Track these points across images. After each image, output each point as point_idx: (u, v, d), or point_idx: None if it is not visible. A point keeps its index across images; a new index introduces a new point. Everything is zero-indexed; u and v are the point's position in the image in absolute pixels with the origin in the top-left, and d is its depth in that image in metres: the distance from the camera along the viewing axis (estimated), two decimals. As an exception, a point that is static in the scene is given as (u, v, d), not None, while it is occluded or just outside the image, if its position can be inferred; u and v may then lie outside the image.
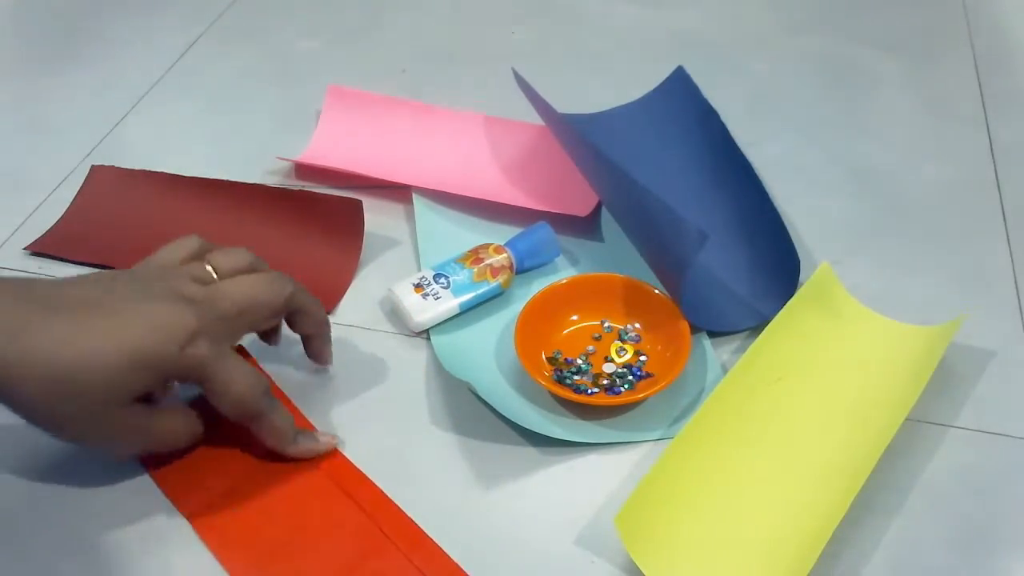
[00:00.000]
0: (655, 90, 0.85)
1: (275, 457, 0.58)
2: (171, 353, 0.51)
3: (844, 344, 0.65)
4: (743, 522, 0.55)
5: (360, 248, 0.72)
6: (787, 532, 0.54)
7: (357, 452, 0.59)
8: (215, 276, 0.57)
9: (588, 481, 0.58)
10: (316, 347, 0.63)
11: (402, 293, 0.67)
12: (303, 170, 0.81)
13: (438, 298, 0.66)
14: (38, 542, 0.55)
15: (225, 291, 0.56)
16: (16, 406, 0.51)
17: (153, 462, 0.58)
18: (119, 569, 0.54)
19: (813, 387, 0.62)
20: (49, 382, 0.49)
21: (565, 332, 0.66)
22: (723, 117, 0.80)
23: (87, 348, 0.50)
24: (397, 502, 0.57)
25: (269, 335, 0.64)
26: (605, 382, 0.63)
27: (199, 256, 0.58)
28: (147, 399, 0.54)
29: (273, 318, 0.59)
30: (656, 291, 0.66)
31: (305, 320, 0.61)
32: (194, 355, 0.52)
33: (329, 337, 0.63)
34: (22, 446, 0.59)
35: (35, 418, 0.51)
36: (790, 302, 0.65)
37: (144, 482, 0.58)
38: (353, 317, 0.69)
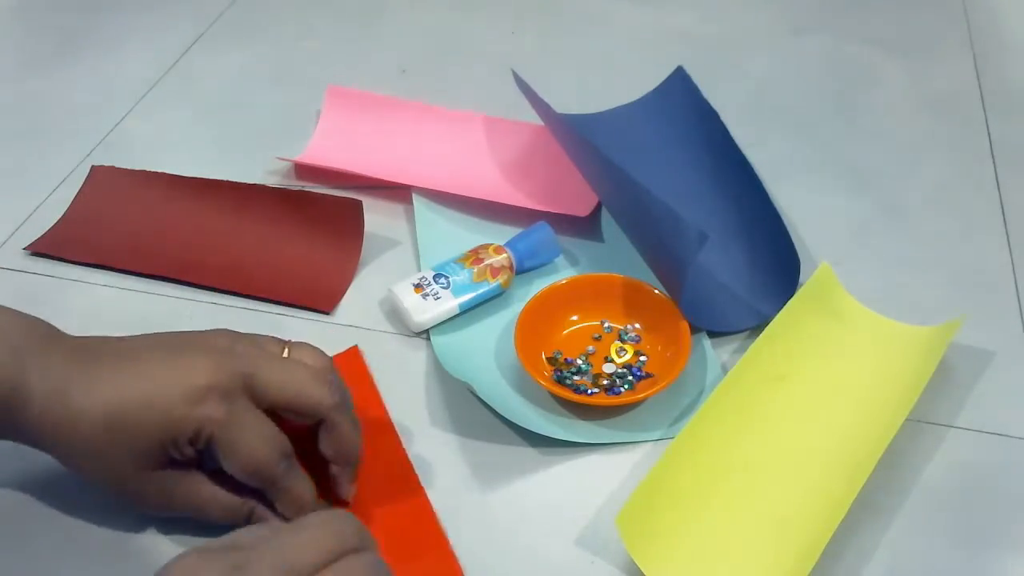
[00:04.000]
0: (655, 90, 0.85)
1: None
2: (178, 413, 0.49)
3: (844, 344, 0.65)
4: (744, 522, 0.55)
5: (360, 248, 0.72)
6: (788, 532, 0.54)
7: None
8: (271, 349, 0.54)
9: (588, 481, 0.58)
10: (334, 478, 0.55)
11: (402, 293, 0.67)
12: (303, 170, 0.81)
13: (438, 298, 0.66)
14: (40, 542, 0.55)
15: (273, 367, 0.52)
16: (67, 466, 0.52)
17: None
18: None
19: (813, 387, 0.62)
20: (76, 443, 0.50)
21: (565, 332, 0.66)
22: (723, 117, 0.80)
23: (107, 407, 0.49)
24: (397, 502, 0.57)
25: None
26: (605, 382, 0.63)
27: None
28: (181, 465, 0.51)
29: (301, 414, 0.53)
30: (656, 291, 0.66)
31: (326, 442, 0.54)
32: (202, 416, 0.49)
33: (352, 476, 0.56)
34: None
35: (84, 478, 0.52)
36: (790, 302, 0.65)
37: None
38: (353, 317, 0.69)
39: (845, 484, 0.55)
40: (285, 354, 0.54)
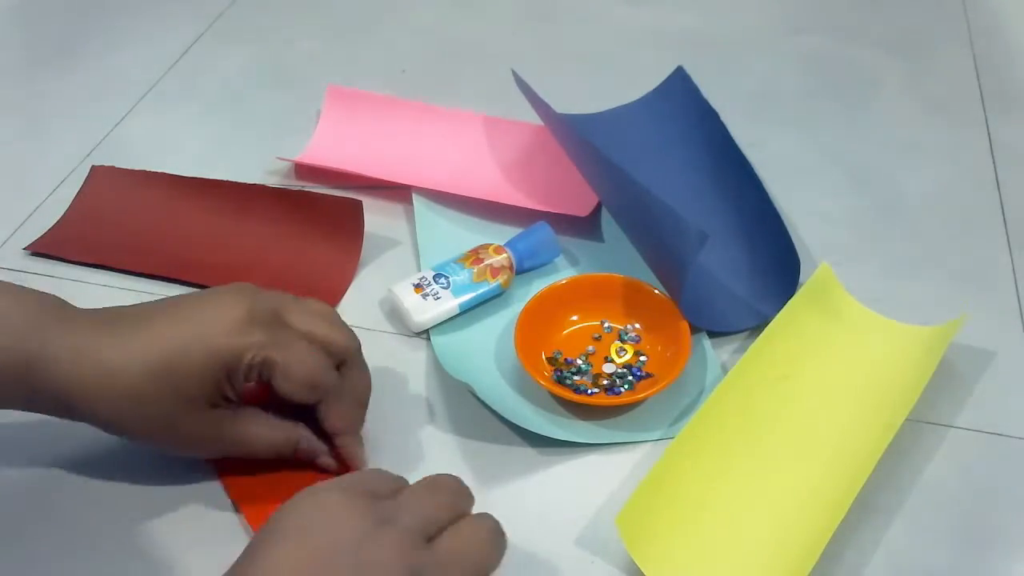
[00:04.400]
0: (655, 90, 0.85)
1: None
2: (229, 344, 0.51)
3: (844, 344, 0.65)
4: (744, 522, 0.55)
5: (360, 248, 0.72)
6: (788, 532, 0.54)
7: (356, 452, 0.59)
8: (290, 298, 0.55)
9: (588, 481, 0.58)
10: (345, 448, 0.57)
11: (402, 293, 0.67)
12: (303, 170, 0.81)
13: (438, 298, 0.66)
14: (45, 539, 0.55)
15: (298, 306, 0.54)
16: (103, 426, 0.52)
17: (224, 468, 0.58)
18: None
19: (813, 387, 0.62)
20: (117, 398, 0.50)
21: (565, 332, 0.66)
22: (723, 117, 0.80)
23: (145, 357, 0.50)
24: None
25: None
26: (605, 382, 0.63)
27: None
28: (228, 403, 0.53)
29: (333, 354, 0.54)
30: (656, 291, 0.66)
31: (354, 382, 0.56)
32: (253, 342, 0.51)
33: (360, 441, 0.58)
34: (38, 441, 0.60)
35: (123, 434, 0.53)
36: (790, 302, 0.65)
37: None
38: (353, 317, 0.68)
39: (845, 484, 0.55)
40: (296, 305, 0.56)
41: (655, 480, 0.54)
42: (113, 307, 0.54)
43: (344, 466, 0.57)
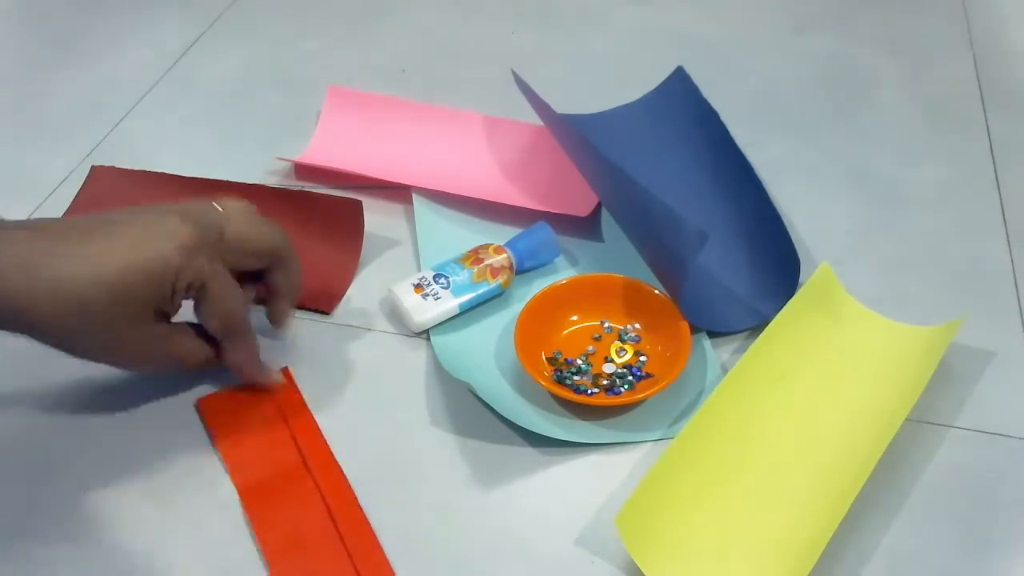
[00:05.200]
0: (655, 90, 0.85)
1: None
2: (175, 262, 0.53)
3: (844, 345, 0.65)
4: (743, 522, 0.55)
5: (360, 248, 0.72)
6: (788, 532, 0.54)
7: (357, 452, 0.60)
8: (220, 209, 0.59)
9: (588, 481, 0.58)
10: (281, 309, 0.64)
11: (402, 293, 0.67)
12: (303, 170, 0.81)
13: (438, 298, 0.66)
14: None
15: (228, 217, 0.58)
16: (44, 336, 0.53)
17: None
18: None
19: (813, 387, 0.62)
20: (69, 308, 0.51)
21: (565, 332, 0.66)
22: (723, 117, 0.80)
23: (98, 270, 0.51)
24: (396, 502, 0.57)
25: (269, 298, 0.64)
26: (605, 382, 0.63)
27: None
28: (164, 318, 0.56)
29: (262, 256, 0.61)
30: (656, 291, 0.66)
31: (282, 276, 0.62)
32: (195, 266, 0.54)
33: (293, 303, 0.64)
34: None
35: (62, 345, 0.54)
36: (790, 303, 0.65)
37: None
38: (353, 317, 0.69)
39: (845, 484, 0.55)
40: (218, 206, 0.59)
41: (655, 480, 0.54)
42: (54, 219, 0.56)
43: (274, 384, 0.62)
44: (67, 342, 0.54)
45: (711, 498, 0.56)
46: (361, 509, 0.56)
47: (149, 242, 0.53)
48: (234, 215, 0.59)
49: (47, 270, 0.51)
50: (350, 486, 0.57)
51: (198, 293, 0.56)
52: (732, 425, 0.59)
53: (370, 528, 0.55)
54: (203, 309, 0.57)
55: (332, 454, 0.59)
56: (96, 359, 0.56)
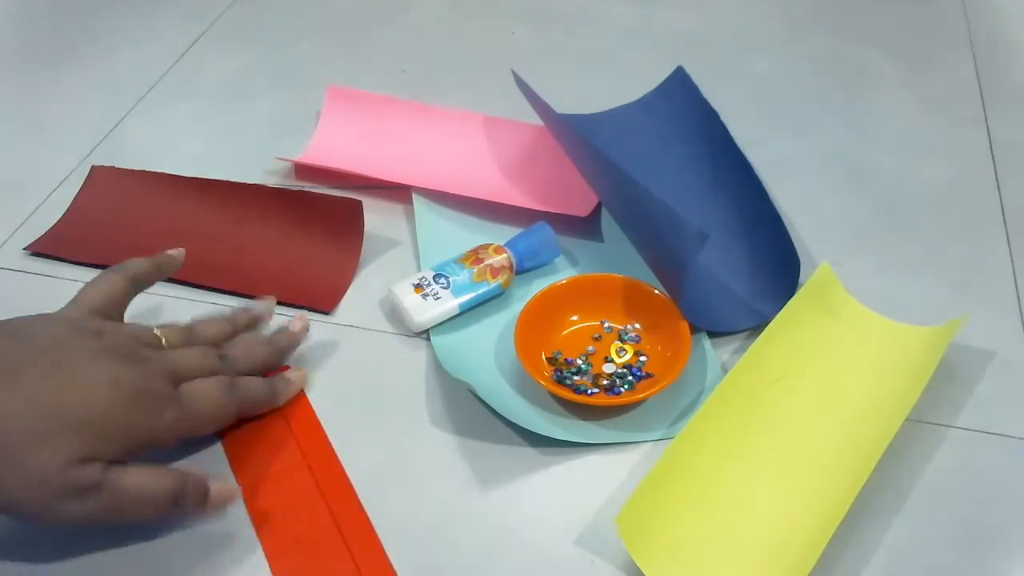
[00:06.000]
0: (655, 90, 0.85)
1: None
2: (56, 473, 0.48)
3: (844, 345, 0.65)
4: (743, 522, 0.55)
5: (360, 248, 0.72)
6: (788, 532, 0.54)
7: (357, 452, 0.60)
8: (164, 344, 0.56)
9: (588, 481, 0.58)
10: (281, 358, 0.63)
11: (402, 293, 0.67)
12: (303, 170, 0.81)
13: (438, 298, 0.66)
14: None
15: (183, 358, 0.55)
16: None
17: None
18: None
19: (813, 387, 0.62)
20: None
21: (565, 332, 0.66)
22: (723, 117, 0.80)
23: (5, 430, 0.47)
24: (396, 502, 0.57)
25: None
26: (605, 382, 0.63)
27: (123, 301, 0.58)
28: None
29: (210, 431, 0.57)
30: (656, 291, 0.66)
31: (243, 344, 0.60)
32: (168, 424, 0.52)
33: (282, 346, 0.63)
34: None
35: None
36: (790, 302, 0.65)
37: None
38: (353, 317, 0.69)
39: (845, 484, 0.55)
40: (159, 334, 0.57)
41: (655, 480, 0.54)
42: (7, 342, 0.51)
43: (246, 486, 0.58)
44: None
45: (711, 498, 0.56)
46: (363, 509, 0.56)
47: (39, 420, 0.48)
48: (177, 353, 0.55)
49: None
50: (352, 486, 0.57)
51: (175, 442, 0.54)
52: (732, 425, 0.59)
53: (372, 528, 0.55)
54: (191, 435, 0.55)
55: (335, 454, 0.59)
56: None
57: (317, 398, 0.63)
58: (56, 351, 0.50)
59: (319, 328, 0.68)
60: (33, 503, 0.48)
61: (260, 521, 0.56)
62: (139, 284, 0.60)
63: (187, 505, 0.53)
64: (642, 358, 0.65)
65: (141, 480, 0.51)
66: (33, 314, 0.54)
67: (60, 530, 0.54)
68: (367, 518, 0.56)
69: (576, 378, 0.63)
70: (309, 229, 0.74)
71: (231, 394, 0.56)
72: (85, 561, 0.54)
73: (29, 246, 0.74)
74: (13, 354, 0.50)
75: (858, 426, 0.59)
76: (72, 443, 0.48)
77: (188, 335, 0.58)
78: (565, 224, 0.73)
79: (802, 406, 0.61)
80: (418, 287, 0.67)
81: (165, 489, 0.52)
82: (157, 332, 0.56)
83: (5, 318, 0.53)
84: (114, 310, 0.58)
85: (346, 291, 0.71)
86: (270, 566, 0.54)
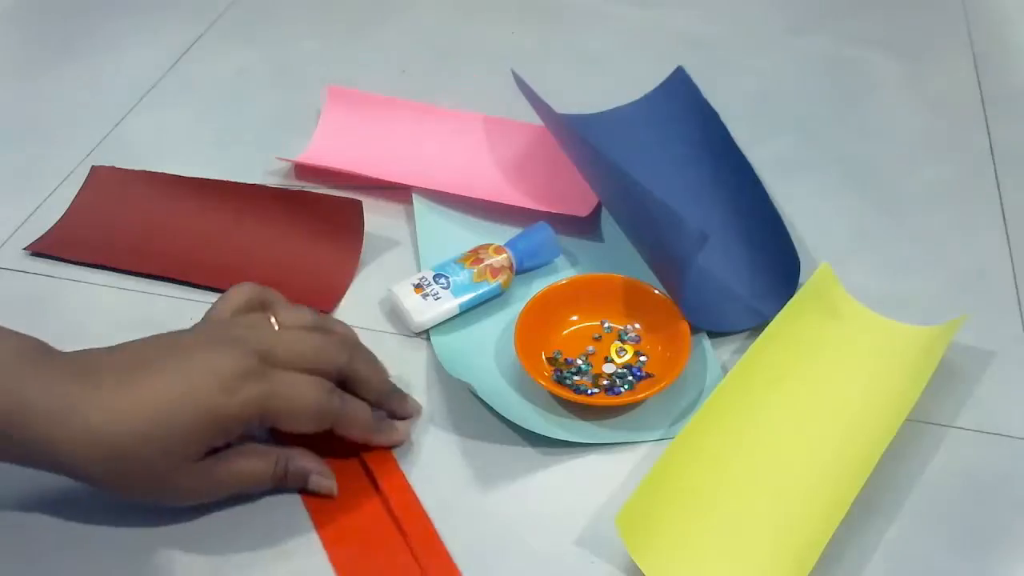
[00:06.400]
0: (655, 90, 0.85)
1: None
2: (222, 404, 0.50)
3: (844, 344, 0.65)
4: (744, 522, 0.55)
5: (360, 248, 0.72)
6: (788, 532, 0.54)
7: (357, 452, 0.59)
8: (276, 327, 0.55)
9: (588, 481, 0.58)
10: (389, 410, 0.60)
11: (402, 293, 0.67)
12: (303, 170, 0.81)
13: (438, 298, 0.66)
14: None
15: (284, 341, 0.54)
16: (84, 481, 0.51)
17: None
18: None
19: (813, 387, 0.62)
20: (105, 457, 0.49)
21: (565, 332, 0.66)
22: (723, 117, 0.80)
23: (133, 423, 0.49)
24: (397, 502, 0.57)
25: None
26: (605, 382, 0.63)
27: (257, 305, 0.58)
28: (216, 451, 0.53)
29: (327, 375, 0.55)
30: (656, 291, 0.66)
31: (361, 389, 0.57)
32: (247, 399, 0.51)
33: (400, 397, 0.60)
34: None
35: (103, 488, 0.51)
36: (790, 303, 0.65)
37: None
38: (353, 317, 0.69)
39: (845, 484, 0.55)
40: (274, 323, 0.56)
41: (655, 480, 0.54)
42: (95, 352, 0.52)
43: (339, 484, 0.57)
44: (111, 489, 0.51)
45: (712, 498, 0.56)
46: (422, 507, 0.56)
47: (188, 388, 0.50)
48: (289, 336, 0.55)
49: (83, 420, 0.49)
50: (408, 482, 0.57)
51: (262, 420, 0.52)
52: (732, 425, 0.59)
53: (432, 527, 0.55)
54: (282, 426, 0.53)
55: (395, 459, 0.59)
56: (140, 499, 0.53)
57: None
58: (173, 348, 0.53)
59: (319, 328, 0.68)
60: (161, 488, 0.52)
61: (315, 509, 0.56)
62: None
63: (286, 487, 0.56)
64: (642, 358, 0.65)
65: (247, 465, 0.54)
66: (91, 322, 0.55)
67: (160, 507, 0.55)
68: (427, 516, 0.55)
69: (576, 378, 0.63)
70: (309, 229, 0.74)
71: (330, 398, 0.54)
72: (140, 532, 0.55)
73: (29, 246, 0.74)
74: (141, 353, 0.52)
75: (858, 426, 0.59)
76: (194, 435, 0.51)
77: (319, 322, 0.58)
78: (565, 224, 0.73)
79: (802, 406, 0.61)
80: (418, 287, 0.67)
81: (266, 475, 0.54)
82: (273, 319, 0.56)
83: (8, 318, 0.53)
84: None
85: (346, 291, 0.71)
86: (328, 553, 0.54)
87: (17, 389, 0.49)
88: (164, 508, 0.55)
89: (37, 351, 0.51)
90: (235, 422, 0.51)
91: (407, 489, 0.57)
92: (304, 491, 0.56)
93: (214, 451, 0.52)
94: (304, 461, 0.56)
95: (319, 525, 0.55)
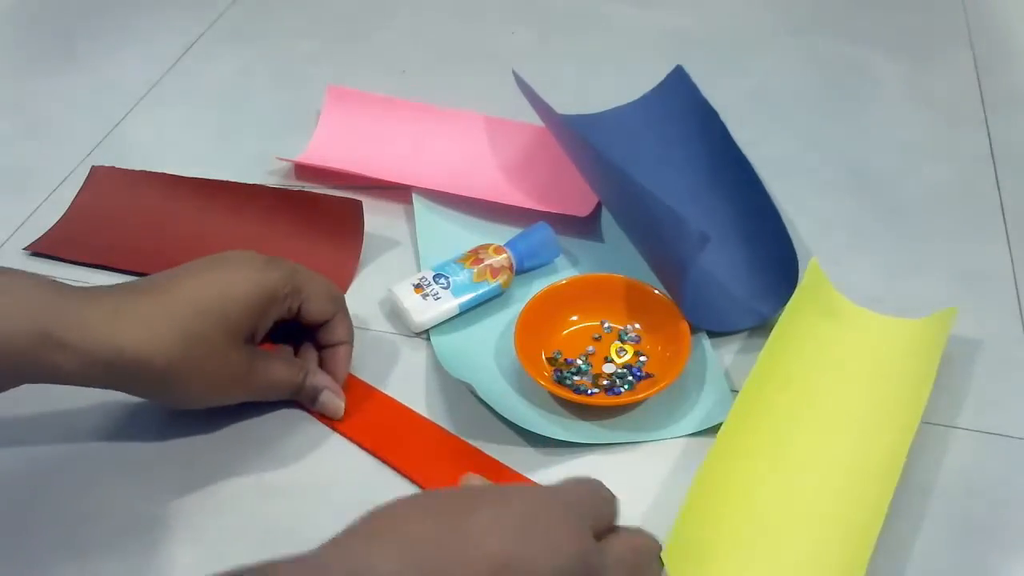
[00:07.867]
0: (654, 90, 0.85)
1: None
2: (264, 278, 0.56)
3: (847, 346, 0.64)
4: (786, 542, 0.54)
5: (360, 248, 0.72)
6: (833, 544, 0.53)
7: (356, 451, 0.60)
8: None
9: (588, 481, 0.58)
10: (346, 353, 0.63)
11: (402, 293, 0.67)
12: (303, 170, 0.81)
13: (438, 298, 0.66)
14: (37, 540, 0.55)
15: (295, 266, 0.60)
16: (145, 381, 0.54)
17: None
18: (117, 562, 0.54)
19: (827, 395, 0.61)
20: (170, 340, 0.53)
21: (565, 332, 0.66)
22: (723, 117, 0.80)
23: (195, 301, 0.54)
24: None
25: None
26: (605, 382, 0.63)
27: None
28: (253, 342, 0.58)
29: (335, 300, 0.62)
30: (656, 291, 0.66)
31: (341, 325, 0.62)
32: (282, 273, 0.57)
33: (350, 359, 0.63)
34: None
35: (164, 386, 0.55)
36: (788, 307, 0.64)
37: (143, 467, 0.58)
38: (353, 317, 0.68)
39: (877, 493, 0.54)
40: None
41: (694, 509, 0.53)
42: (131, 281, 0.57)
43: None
44: (168, 381, 0.54)
45: (754, 523, 0.54)
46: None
47: (237, 271, 0.56)
48: (298, 265, 0.60)
49: (137, 313, 0.53)
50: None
51: (294, 296, 0.58)
52: (758, 445, 0.57)
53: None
54: (306, 307, 0.59)
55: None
56: (195, 396, 0.57)
57: (317, 398, 0.63)
58: None
59: (319, 328, 0.68)
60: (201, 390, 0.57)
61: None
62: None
63: (300, 399, 0.61)
64: (642, 358, 0.65)
65: (278, 368, 0.59)
66: None
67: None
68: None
69: (576, 378, 0.63)
70: (309, 229, 0.74)
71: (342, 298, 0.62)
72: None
73: (29, 246, 0.74)
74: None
75: (878, 434, 0.58)
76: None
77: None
78: (565, 224, 0.73)
79: (824, 417, 0.60)
80: (418, 287, 0.67)
81: (292, 382, 0.60)
82: None
83: None
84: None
85: (346, 291, 0.71)
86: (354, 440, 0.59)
87: (61, 303, 0.52)
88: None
89: (74, 288, 0.54)
90: (277, 292, 0.57)
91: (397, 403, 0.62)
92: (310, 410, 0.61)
93: (253, 343, 0.57)
94: (320, 377, 0.61)
95: (335, 427, 0.61)
